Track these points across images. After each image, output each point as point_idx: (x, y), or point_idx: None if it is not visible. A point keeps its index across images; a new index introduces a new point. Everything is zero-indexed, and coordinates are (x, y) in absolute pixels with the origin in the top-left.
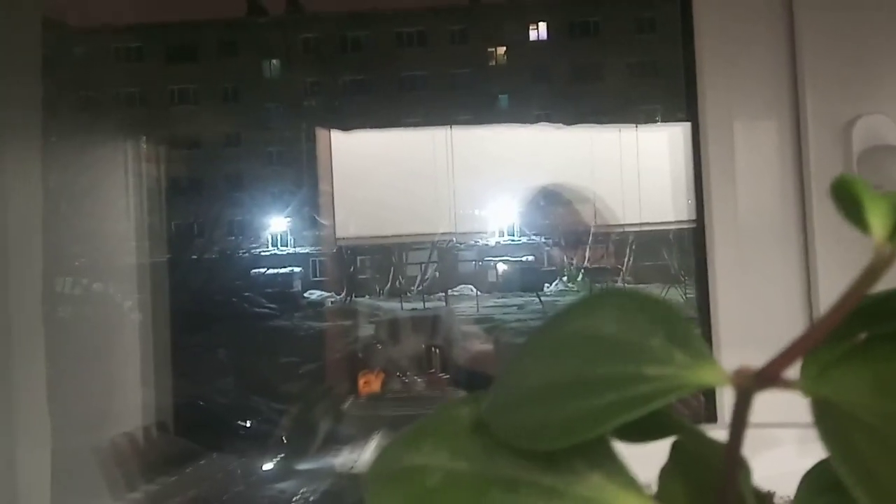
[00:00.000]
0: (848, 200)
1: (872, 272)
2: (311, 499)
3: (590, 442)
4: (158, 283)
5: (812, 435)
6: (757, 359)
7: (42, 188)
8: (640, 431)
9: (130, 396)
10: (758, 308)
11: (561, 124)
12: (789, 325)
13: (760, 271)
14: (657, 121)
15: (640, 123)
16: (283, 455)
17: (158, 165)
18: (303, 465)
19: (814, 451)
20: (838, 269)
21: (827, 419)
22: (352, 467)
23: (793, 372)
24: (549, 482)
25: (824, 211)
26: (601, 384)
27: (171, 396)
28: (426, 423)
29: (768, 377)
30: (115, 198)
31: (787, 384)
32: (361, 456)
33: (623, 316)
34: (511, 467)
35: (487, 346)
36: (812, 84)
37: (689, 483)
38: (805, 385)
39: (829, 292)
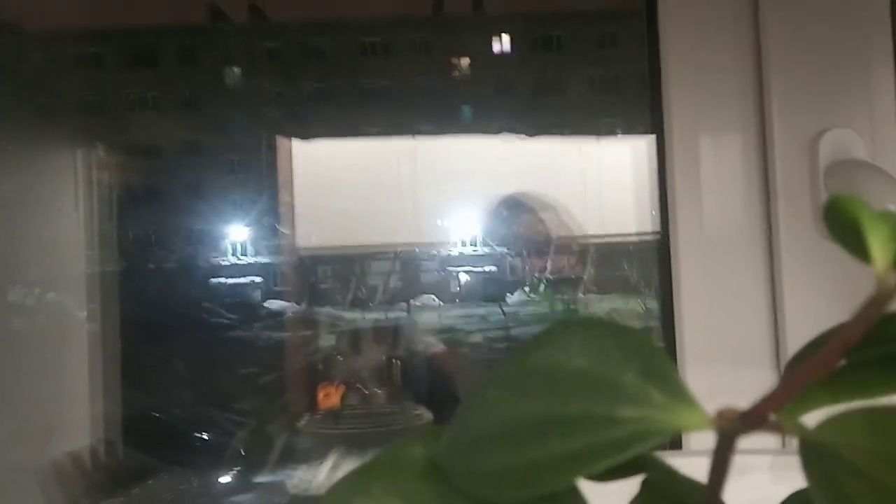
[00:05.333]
0: (843, 223)
1: (874, 305)
2: None
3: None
4: (110, 292)
5: (783, 462)
6: (721, 372)
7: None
8: (610, 469)
9: (79, 409)
10: (723, 320)
11: (524, 135)
12: (754, 338)
13: (725, 283)
14: (618, 133)
15: (602, 135)
16: (238, 469)
17: (114, 173)
18: (260, 479)
19: (785, 479)
20: (804, 282)
21: (815, 462)
22: (306, 488)
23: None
24: None
25: (790, 224)
26: (570, 426)
27: (122, 409)
28: (374, 464)
29: (755, 420)
30: (66, 206)
31: (775, 427)
32: (316, 476)
33: (594, 347)
34: None
35: (449, 357)
36: (778, 97)
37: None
38: (794, 427)
39: (795, 305)
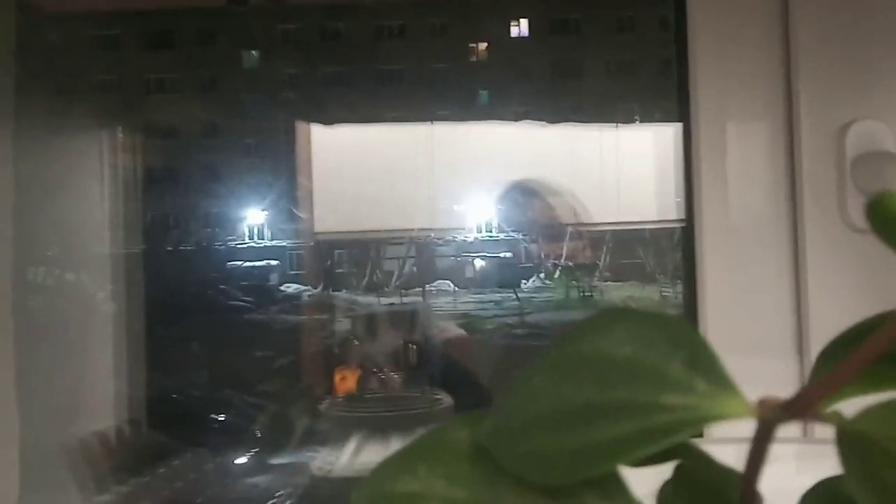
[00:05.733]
0: (890, 222)
1: None
2: (289, 502)
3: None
4: (133, 273)
5: (810, 451)
6: (744, 361)
7: (13, 175)
8: (648, 456)
9: (103, 390)
10: (746, 310)
11: (544, 122)
12: (778, 328)
13: (750, 272)
14: (636, 120)
15: (624, 122)
16: (257, 450)
17: (134, 155)
18: (279, 461)
19: (810, 468)
20: (828, 273)
21: (853, 451)
22: (329, 470)
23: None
24: None
25: (816, 215)
26: (616, 412)
27: (146, 390)
28: (419, 446)
29: (797, 410)
30: (89, 187)
31: (817, 417)
32: (340, 458)
33: (640, 336)
34: (514, 497)
35: (465, 342)
36: (806, 87)
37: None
38: (832, 417)
39: (819, 296)
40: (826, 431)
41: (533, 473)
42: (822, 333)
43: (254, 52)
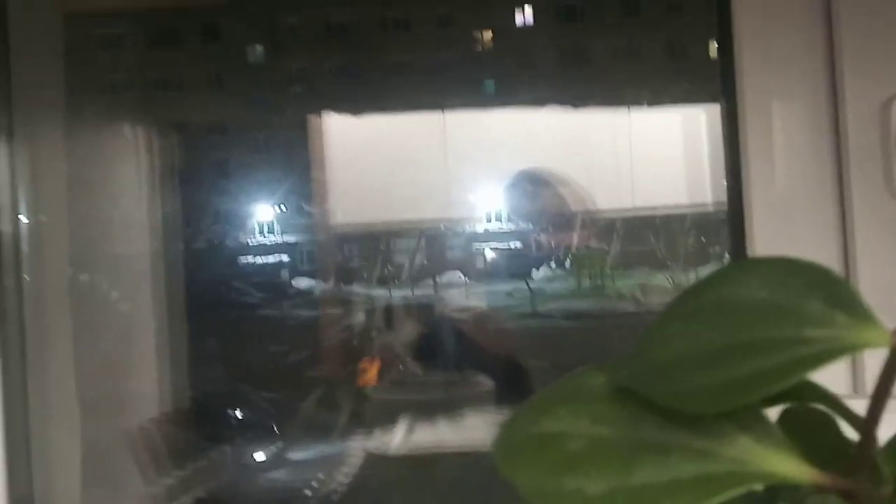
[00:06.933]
0: None
1: None
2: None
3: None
4: (172, 272)
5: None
6: None
7: (66, 176)
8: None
9: (146, 384)
10: None
11: (569, 106)
12: None
13: (798, 248)
14: (644, 104)
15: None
16: (282, 444)
17: (165, 154)
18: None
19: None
20: (876, 247)
21: None
22: (385, 451)
23: None
24: (699, 445)
25: (862, 189)
26: (758, 349)
27: (189, 383)
28: (557, 392)
29: None
30: (127, 186)
31: None
32: (393, 439)
33: (774, 281)
34: (658, 432)
35: (481, 328)
36: (850, 61)
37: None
38: None
39: (867, 270)
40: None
41: (686, 406)
42: (872, 304)
43: (258, 46)
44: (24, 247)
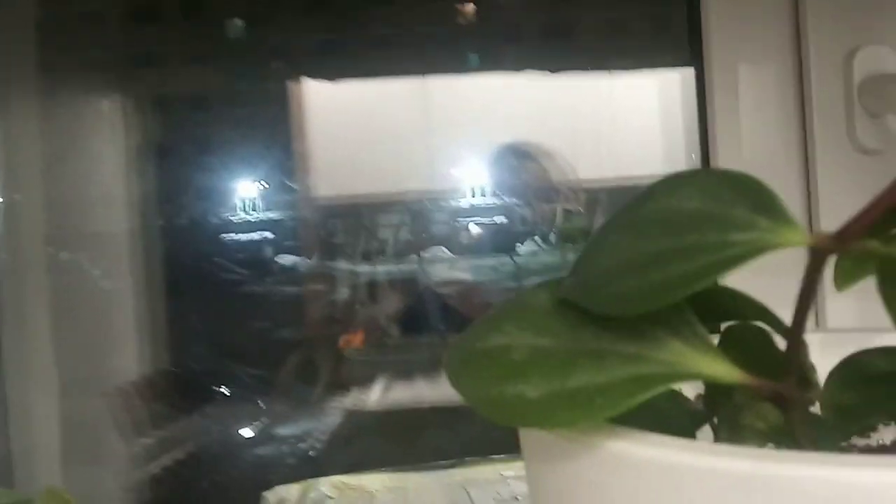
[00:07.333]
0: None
1: None
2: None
3: (670, 312)
4: (150, 248)
5: (826, 339)
6: (760, 292)
7: (41, 149)
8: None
9: (124, 359)
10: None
11: (546, 71)
12: (791, 267)
13: None
14: (625, 69)
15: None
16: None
17: (138, 128)
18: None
19: (828, 354)
20: (840, 195)
21: (889, 278)
22: (362, 407)
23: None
24: (632, 350)
25: (826, 140)
26: (688, 253)
27: (168, 354)
28: (504, 309)
29: (845, 238)
30: (102, 161)
31: (862, 246)
32: (370, 396)
33: (706, 191)
34: (595, 340)
35: (465, 298)
36: (813, 17)
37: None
38: (878, 247)
39: (831, 218)
40: (837, 319)
41: (614, 309)
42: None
43: (238, 20)
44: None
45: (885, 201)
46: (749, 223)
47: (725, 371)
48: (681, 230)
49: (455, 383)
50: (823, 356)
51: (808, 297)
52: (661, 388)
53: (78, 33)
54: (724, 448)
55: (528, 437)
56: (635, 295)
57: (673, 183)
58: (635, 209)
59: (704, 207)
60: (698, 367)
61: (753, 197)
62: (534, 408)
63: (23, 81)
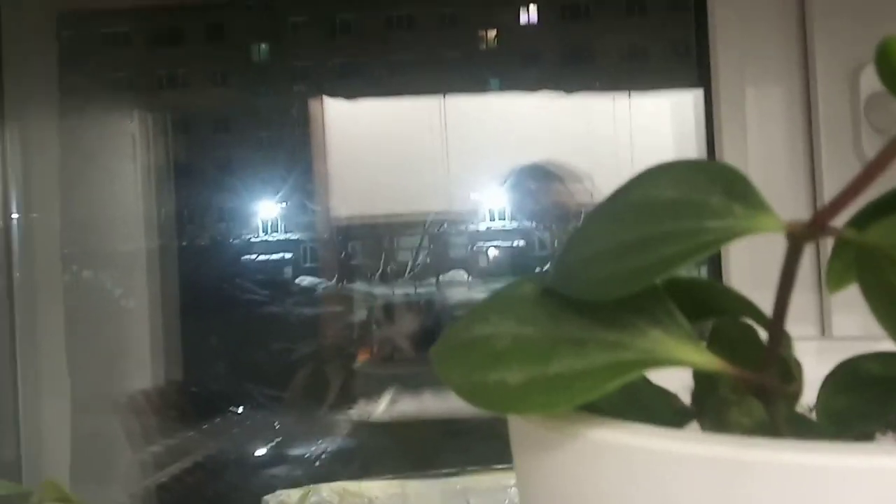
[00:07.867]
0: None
1: None
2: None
3: (651, 302)
4: (166, 268)
5: (829, 346)
6: (769, 301)
7: (59, 168)
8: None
9: (138, 372)
10: (769, 268)
11: (562, 92)
12: (801, 285)
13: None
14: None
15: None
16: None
17: (159, 149)
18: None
19: (831, 360)
20: (845, 218)
21: (870, 268)
22: (367, 418)
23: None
24: (613, 338)
25: (832, 152)
26: (665, 238)
27: (183, 372)
28: (489, 301)
29: (819, 225)
30: (122, 180)
31: (836, 232)
32: (376, 408)
33: (683, 180)
34: (577, 328)
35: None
36: (820, 33)
37: (734, 348)
38: (849, 232)
39: None
40: (843, 327)
41: (593, 294)
42: None
43: (263, 44)
44: (15, 244)
45: (858, 186)
46: (725, 210)
47: (704, 359)
48: (659, 218)
49: (440, 371)
50: (825, 363)
51: (787, 286)
52: (638, 374)
53: (100, 54)
54: (705, 436)
55: (516, 428)
56: (613, 279)
57: (652, 173)
58: (616, 199)
59: (682, 196)
60: (677, 354)
61: (729, 186)
62: (514, 393)
63: (44, 101)
